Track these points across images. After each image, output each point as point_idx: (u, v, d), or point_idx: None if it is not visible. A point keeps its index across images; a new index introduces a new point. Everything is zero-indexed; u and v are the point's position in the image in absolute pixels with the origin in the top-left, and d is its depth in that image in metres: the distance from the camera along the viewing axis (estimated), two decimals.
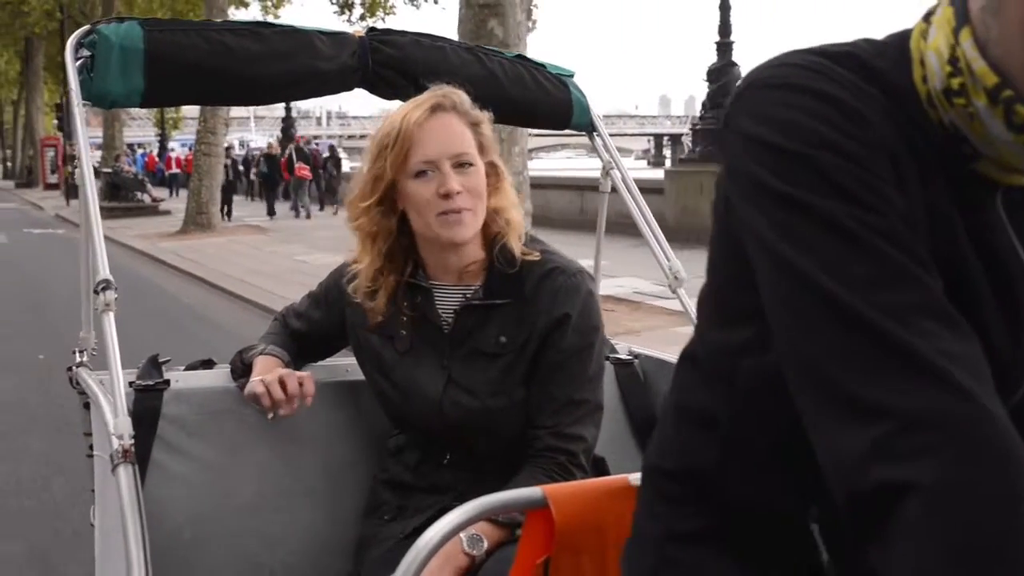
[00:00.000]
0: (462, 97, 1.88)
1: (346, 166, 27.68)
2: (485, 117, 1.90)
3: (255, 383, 1.95)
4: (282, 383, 1.92)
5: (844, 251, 0.87)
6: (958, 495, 0.78)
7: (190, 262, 14.35)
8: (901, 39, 0.99)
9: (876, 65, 0.96)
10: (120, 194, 25.90)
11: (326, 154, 27.82)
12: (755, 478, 1.07)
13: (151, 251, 16.34)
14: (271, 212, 23.78)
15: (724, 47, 17.33)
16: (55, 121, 41.55)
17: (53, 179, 36.68)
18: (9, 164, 57.13)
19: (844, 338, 0.85)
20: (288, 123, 33.26)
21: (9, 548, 4.29)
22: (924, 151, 0.94)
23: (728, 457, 1.09)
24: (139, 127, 64.47)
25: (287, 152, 25.24)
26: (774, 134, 0.91)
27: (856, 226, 0.87)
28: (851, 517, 0.84)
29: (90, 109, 2.06)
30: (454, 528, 1.35)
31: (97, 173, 31.87)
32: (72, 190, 27.04)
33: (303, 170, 24.14)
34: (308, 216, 23.30)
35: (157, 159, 42.39)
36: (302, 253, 14.71)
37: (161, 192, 30.58)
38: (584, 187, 16.91)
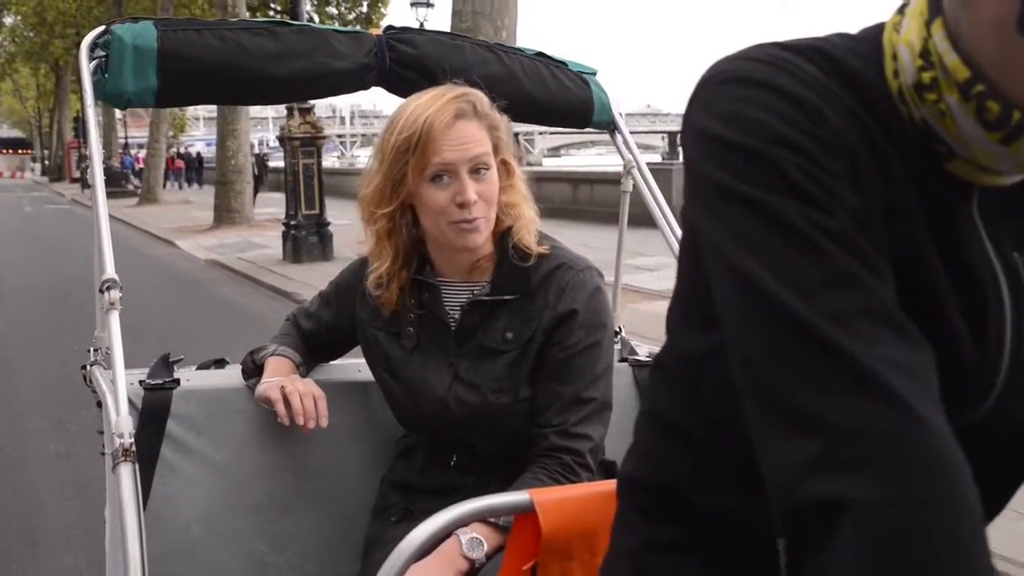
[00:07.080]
0: (482, 99, 1.84)
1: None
2: (503, 121, 1.87)
3: (270, 388, 1.93)
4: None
5: (790, 251, 0.82)
6: (892, 512, 0.73)
7: (130, 217, 23.92)
8: (875, 33, 0.94)
9: (845, 60, 0.91)
10: (109, 182, 35.73)
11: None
12: (727, 490, 1.02)
13: (114, 214, 25.49)
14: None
15: None
16: (74, 128, 53.22)
17: (77, 174, 46.65)
18: (47, 163, 71.05)
19: (784, 343, 0.80)
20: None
21: None
22: (890, 150, 0.89)
23: (700, 468, 1.04)
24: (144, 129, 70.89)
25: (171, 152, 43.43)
26: (724, 128, 0.87)
27: (804, 225, 0.82)
28: (787, 533, 0.80)
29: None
30: (436, 531, 1.34)
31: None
32: (86, 183, 39.47)
33: (180, 163, 44.24)
34: (184, 188, 40.32)
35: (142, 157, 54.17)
36: (194, 213, 24.59)
37: None
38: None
